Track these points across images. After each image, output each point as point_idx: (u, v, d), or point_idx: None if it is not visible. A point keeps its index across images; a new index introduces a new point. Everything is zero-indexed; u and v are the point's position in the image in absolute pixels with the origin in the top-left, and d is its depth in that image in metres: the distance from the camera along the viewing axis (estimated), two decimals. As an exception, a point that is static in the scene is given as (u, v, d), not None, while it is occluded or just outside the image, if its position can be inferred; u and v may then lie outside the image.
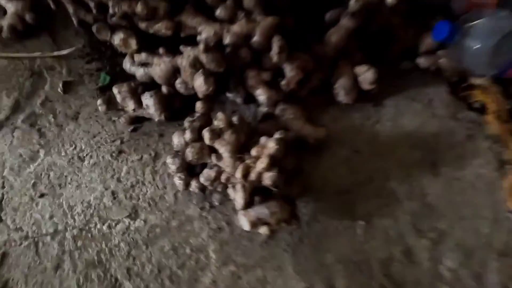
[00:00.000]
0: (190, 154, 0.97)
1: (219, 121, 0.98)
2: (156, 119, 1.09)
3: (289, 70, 1.05)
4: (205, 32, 0.97)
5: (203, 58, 0.96)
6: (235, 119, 1.03)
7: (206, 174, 1.00)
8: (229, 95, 1.14)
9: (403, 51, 1.25)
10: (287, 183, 0.97)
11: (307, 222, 1.04)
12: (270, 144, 0.89)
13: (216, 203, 1.06)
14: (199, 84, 0.98)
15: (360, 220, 1.04)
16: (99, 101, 1.10)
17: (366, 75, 1.10)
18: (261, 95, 1.05)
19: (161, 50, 1.00)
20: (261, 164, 0.88)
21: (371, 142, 1.15)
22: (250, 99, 1.13)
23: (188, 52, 0.98)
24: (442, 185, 1.09)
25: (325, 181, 1.09)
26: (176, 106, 1.11)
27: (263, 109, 1.11)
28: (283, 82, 1.06)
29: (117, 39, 1.01)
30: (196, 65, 0.98)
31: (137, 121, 1.14)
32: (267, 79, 1.05)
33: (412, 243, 1.01)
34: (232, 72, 1.07)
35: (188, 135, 0.98)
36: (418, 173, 1.11)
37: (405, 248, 1.01)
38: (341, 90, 1.14)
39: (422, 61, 1.23)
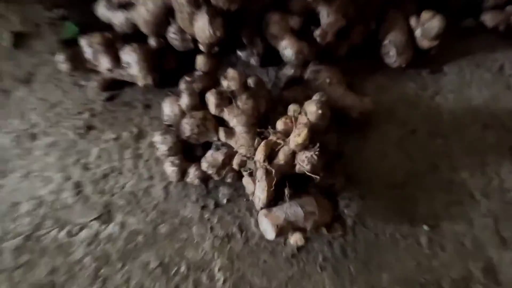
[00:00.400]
0: (187, 127, 0.67)
1: (230, 80, 0.68)
2: (141, 84, 0.78)
3: (327, 15, 0.76)
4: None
5: (207, -13, 0.66)
6: (250, 81, 0.73)
7: (211, 158, 0.70)
8: (240, 54, 0.84)
9: (464, 5, 0.97)
10: (328, 170, 0.68)
11: (351, 228, 0.74)
12: (310, 108, 0.60)
13: (224, 200, 0.76)
14: (202, 27, 0.69)
15: (423, 224, 0.75)
16: (60, 57, 0.79)
17: (430, 24, 0.80)
18: (287, 48, 0.75)
19: (146, -19, 0.71)
20: (298, 137, 0.58)
21: (430, 118, 0.86)
22: (269, 59, 0.83)
23: (184, -19, 0.69)
24: (527, 177, 0.81)
25: (373, 169, 0.80)
26: (169, 67, 0.81)
27: (289, 71, 0.81)
28: (317, 32, 0.76)
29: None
30: (196, 0, 0.68)
31: (115, 87, 0.83)
32: (295, 27, 0.75)
33: (494, 257, 0.74)
34: (247, 18, 0.78)
35: (185, 100, 0.68)
36: (494, 161, 0.83)
37: (486, 264, 0.73)
38: (391, 48, 0.85)
39: (488, 18, 0.95)
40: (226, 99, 0.68)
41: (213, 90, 0.68)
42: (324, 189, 0.69)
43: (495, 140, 0.86)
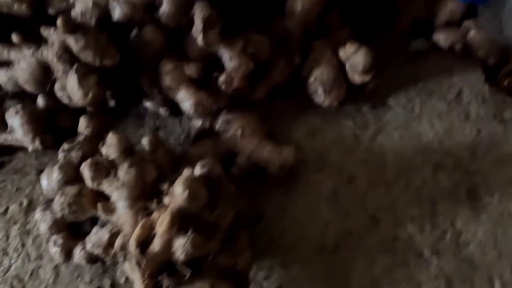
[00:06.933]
0: (57, 206, 0.58)
1: (109, 147, 0.59)
2: (29, 148, 0.70)
3: (229, 59, 0.66)
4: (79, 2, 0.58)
5: (72, 43, 0.57)
6: (145, 141, 0.64)
7: (96, 237, 0.61)
8: (147, 103, 0.75)
9: (413, 24, 0.85)
10: (226, 248, 0.57)
11: (271, 305, 0.63)
12: (176, 189, 0.50)
13: (122, 279, 0.66)
14: (72, 88, 0.60)
15: (360, 294, 0.64)
16: None
17: (355, 59, 0.69)
18: (185, 100, 0.66)
19: (15, 37, 0.62)
20: (161, 226, 0.49)
21: (371, 163, 0.75)
22: (180, 108, 0.74)
23: (53, 37, 0.60)
24: (489, 226, 0.70)
25: (300, 230, 0.69)
26: (63, 126, 0.72)
27: (196, 122, 0.71)
28: (221, 79, 0.66)
29: None
30: (65, 57, 0.59)
31: (4, 152, 0.75)
32: (193, 75, 0.65)
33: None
34: (144, 66, 0.68)
35: (56, 175, 0.59)
36: (448, 209, 0.71)
37: None
38: (318, 87, 0.74)
39: (441, 38, 0.84)
40: (105, 169, 0.59)
41: (88, 161, 0.59)
42: (225, 269, 0.58)
43: (450, 183, 0.73)
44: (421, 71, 0.85)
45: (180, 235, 0.49)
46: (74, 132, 0.70)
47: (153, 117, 0.78)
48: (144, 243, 0.53)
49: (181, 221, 0.49)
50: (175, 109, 0.75)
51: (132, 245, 0.52)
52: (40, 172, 0.74)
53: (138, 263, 0.51)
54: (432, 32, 0.85)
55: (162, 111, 0.75)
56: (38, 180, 0.73)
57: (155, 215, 0.55)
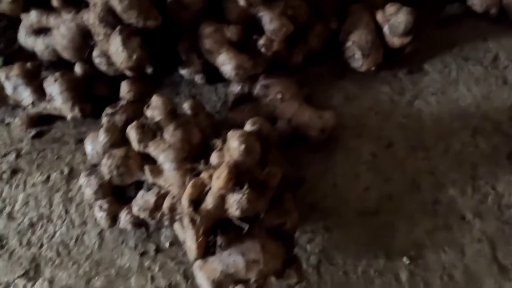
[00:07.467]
0: (105, 169, 0.58)
1: (154, 109, 0.59)
2: (68, 117, 0.70)
3: (269, 20, 0.65)
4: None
5: (115, 3, 0.57)
6: (186, 106, 0.63)
7: (142, 200, 0.60)
8: (183, 71, 0.74)
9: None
10: (276, 208, 0.57)
11: (315, 267, 0.63)
12: (232, 143, 0.49)
13: (167, 244, 0.66)
14: (116, 50, 0.59)
15: (402, 256, 0.64)
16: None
17: (396, 19, 0.68)
18: (226, 63, 0.65)
19: (55, 1, 0.61)
20: (218, 181, 0.48)
21: (409, 128, 0.75)
22: (217, 74, 0.73)
23: (94, 0, 0.59)
24: (530, 189, 0.69)
25: (341, 195, 0.69)
26: (101, 94, 0.72)
27: (234, 88, 0.71)
28: (261, 41, 0.66)
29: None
30: (108, 19, 0.59)
31: (43, 122, 0.75)
32: (234, 38, 0.64)
33: (494, 292, 0.61)
34: (182, 31, 0.68)
35: (102, 138, 0.59)
36: (488, 173, 0.71)
37: (483, 302, 0.61)
38: (356, 51, 0.73)
39: (476, 2, 0.82)
40: (150, 132, 0.58)
41: (134, 123, 0.58)
42: (274, 229, 0.58)
43: (489, 147, 0.73)
44: (456, 36, 0.84)
45: (235, 191, 0.49)
46: (110, 101, 0.70)
47: (188, 85, 0.77)
48: (195, 202, 0.53)
49: (236, 177, 0.49)
50: (211, 76, 0.74)
51: (185, 203, 0.52)
52: (79, 141, 0.74)
53: (192, 220, 0.51)
54: (467, -4, 0.84)
55: (198, 78, 0.74)
56: (77, 149, 0.73)
57: (204, 174, 0.55)
